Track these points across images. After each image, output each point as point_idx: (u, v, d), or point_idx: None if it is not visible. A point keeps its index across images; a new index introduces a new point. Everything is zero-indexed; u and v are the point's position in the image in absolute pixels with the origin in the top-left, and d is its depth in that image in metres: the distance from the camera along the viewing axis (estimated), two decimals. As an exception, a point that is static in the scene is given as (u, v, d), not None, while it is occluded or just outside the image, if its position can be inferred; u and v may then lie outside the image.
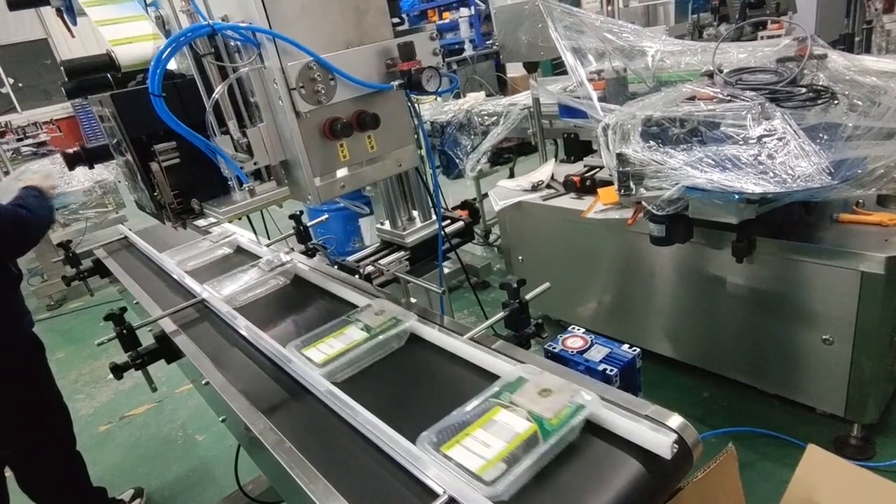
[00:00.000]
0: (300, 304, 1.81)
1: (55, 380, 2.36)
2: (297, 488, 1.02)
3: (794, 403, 2.37)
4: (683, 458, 0.92)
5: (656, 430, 0.92)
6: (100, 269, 2.56)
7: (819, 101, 1.93)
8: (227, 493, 2.62)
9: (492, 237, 4.72)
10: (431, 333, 1.39)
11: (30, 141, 11.40)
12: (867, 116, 1.90)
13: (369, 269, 1.94)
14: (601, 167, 2.87)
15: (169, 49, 1.13)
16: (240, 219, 1.55)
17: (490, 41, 7.54)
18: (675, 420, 0.95)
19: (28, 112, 13.11)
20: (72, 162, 1.66)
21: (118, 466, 3.07)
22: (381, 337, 1.38)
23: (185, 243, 2.42)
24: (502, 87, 6.29)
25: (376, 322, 1.44)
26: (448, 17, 8.87)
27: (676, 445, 0.90)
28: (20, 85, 13.34)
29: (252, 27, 1.18)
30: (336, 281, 1.80)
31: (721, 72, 2.19)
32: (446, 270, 2.06)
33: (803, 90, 1.98)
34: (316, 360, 1.32)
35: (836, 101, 1.96)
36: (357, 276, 1.88)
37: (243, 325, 1.58)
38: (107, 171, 5.35)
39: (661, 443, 0.89)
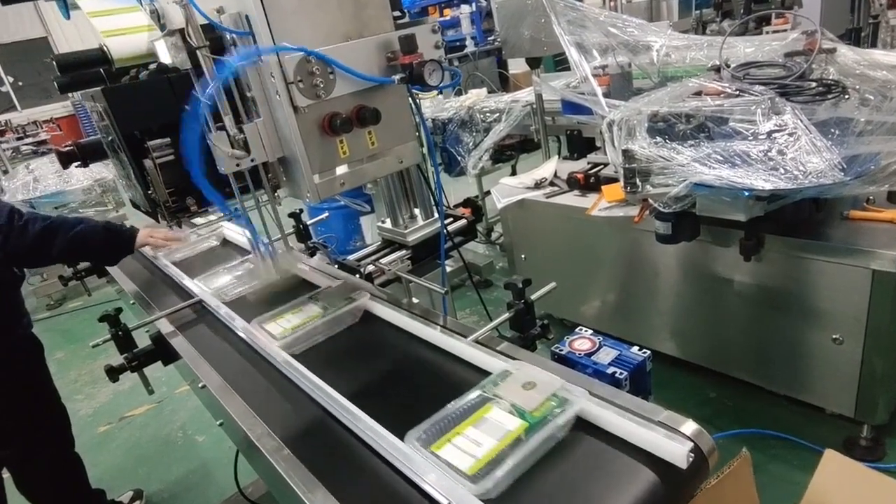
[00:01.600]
0: (382, 355, 1.41)
1: (54, 381, 2.33)
2: (295, 496, 0.98)
3: (803, 404, 2.33)
4: (699, 467, 0.88)
5: (671, 437, 0.88)
6: (97, 269, 2.52)
7: (830, 96, 1.88)
8: (227, 495, 2.59)
9: (494, 235, 4.68)
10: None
11: (30, 140, 11.41)
12: (879, 111, 1.86)
13: (370, 268, 1.91)
14: (605, 164, 2.83)
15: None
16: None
17: (491, 37, 7.48)
18: (690, 426, 0.91)
19: (28, 111, 13.11)
20: (66, 160, 1.63)
21: (118, 467, 3.04)
22: (544, 432, 0.96)
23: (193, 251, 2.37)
24: (504, 83, 6.25)
25: (531, 403, 1.02)
26: (449, 13, 8.82)
27: (692, 454, 0.86)
28: (20, 83, 13.32)
29: (261, 50, 1.14)
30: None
31: (728, 66, 2.15)
32: (448, 269, 2.02)
33: (813, 84, 1.94)
34: (462, 466, 0.92)
35: (846, 96, 1.92)
36: (358, 276, 1.85)
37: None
38: (106, 170, 5.32)
39: (677, 452, 0.85)
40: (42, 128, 12.10)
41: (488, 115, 3.76)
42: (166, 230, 2.18)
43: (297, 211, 2.31)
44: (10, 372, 2.07)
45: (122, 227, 2.10)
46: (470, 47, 7.73)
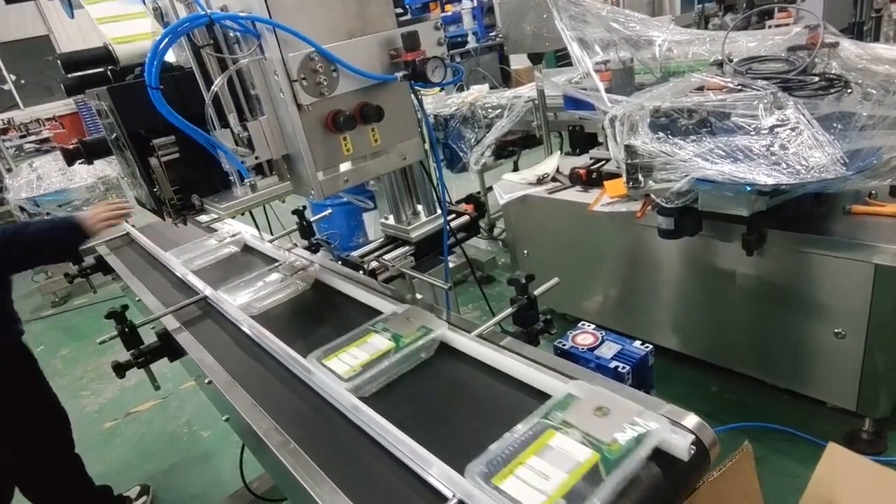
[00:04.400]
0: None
1: (59, 378, 2.32)
2: (302, 490, 0.99)
3: (805, 398, 2.34)
4: (701, 460, 0.89)
5: (673, 430, 0.89)
6: (102, 266, 2.54)
7: (832, 90, 1.88)
8: (233, 489, 2.61)
9: (496, 231, 4.68)
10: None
11: (32, 138, 11.40)
12: (882, 105, 1.86)
13: (373, 264, 1.92)
14: (607, 160, 2.83)
15: (166, 39, 1.10)
16: (242, 214, 1.53)
17: (493, 33, 7.46)
18: (692, 420, 0.92)
19: (30, 109, 13.10)
20: (71, 158, 1.64)
21: (124, 463, 3.07)
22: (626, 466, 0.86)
23: (189, 240, 2.39)
24: (506, 79, 6.23)
25: (607, 434, 0.92)
26: (450, 9, 8.80)
27: (694, 447, 0.87)
28: (22, 82, 13.32)
29: (252, 17, 1.15)
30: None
31: (731, 61, 2.15)
32: (451, 265, 2.03)
33: (816, 79, 1.94)
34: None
35: (849, 90, 1.92)
36: (361, 272, 1.86)
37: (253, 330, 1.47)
38: (109, 167, 5.33)
39: (679, 444, 0.86)
40: (45, 126, 12.10)
41: (490, 111, 3.76)
42: (107, 203, 2.07)
43: (301, 208, 2.32)
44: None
45: (66, 221, 2.00)
46: (471, 43, 7.71)
